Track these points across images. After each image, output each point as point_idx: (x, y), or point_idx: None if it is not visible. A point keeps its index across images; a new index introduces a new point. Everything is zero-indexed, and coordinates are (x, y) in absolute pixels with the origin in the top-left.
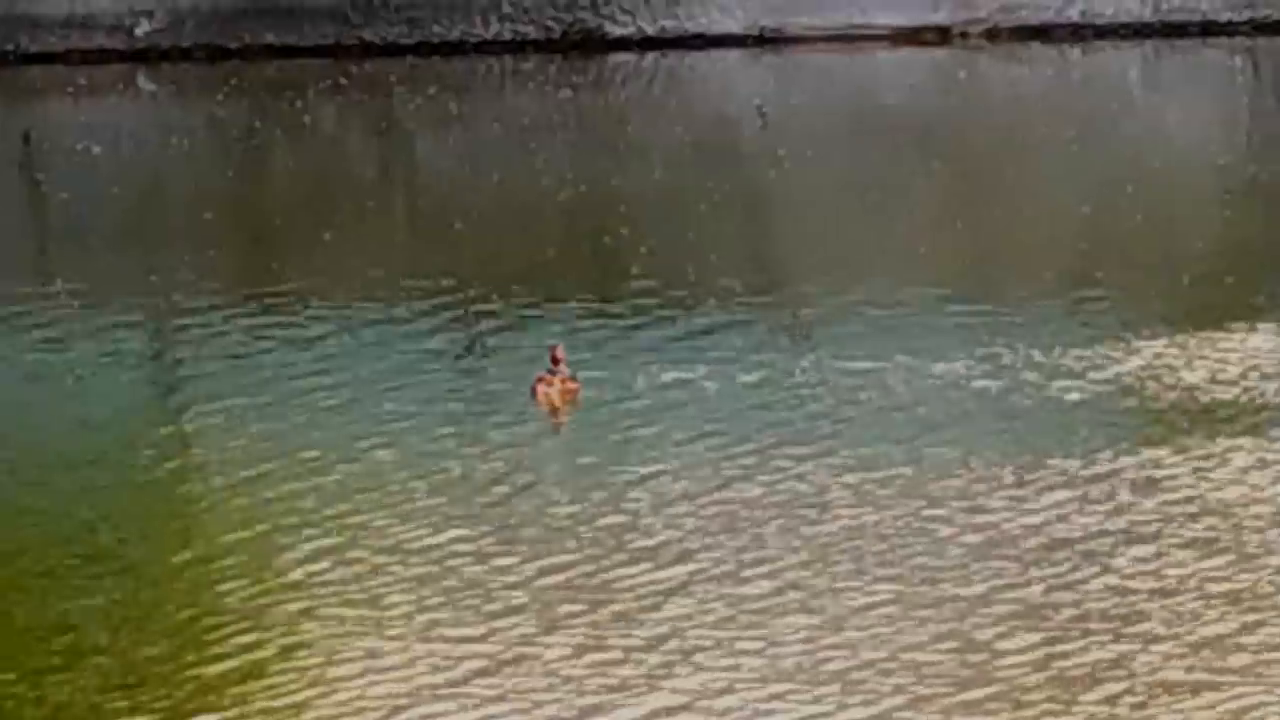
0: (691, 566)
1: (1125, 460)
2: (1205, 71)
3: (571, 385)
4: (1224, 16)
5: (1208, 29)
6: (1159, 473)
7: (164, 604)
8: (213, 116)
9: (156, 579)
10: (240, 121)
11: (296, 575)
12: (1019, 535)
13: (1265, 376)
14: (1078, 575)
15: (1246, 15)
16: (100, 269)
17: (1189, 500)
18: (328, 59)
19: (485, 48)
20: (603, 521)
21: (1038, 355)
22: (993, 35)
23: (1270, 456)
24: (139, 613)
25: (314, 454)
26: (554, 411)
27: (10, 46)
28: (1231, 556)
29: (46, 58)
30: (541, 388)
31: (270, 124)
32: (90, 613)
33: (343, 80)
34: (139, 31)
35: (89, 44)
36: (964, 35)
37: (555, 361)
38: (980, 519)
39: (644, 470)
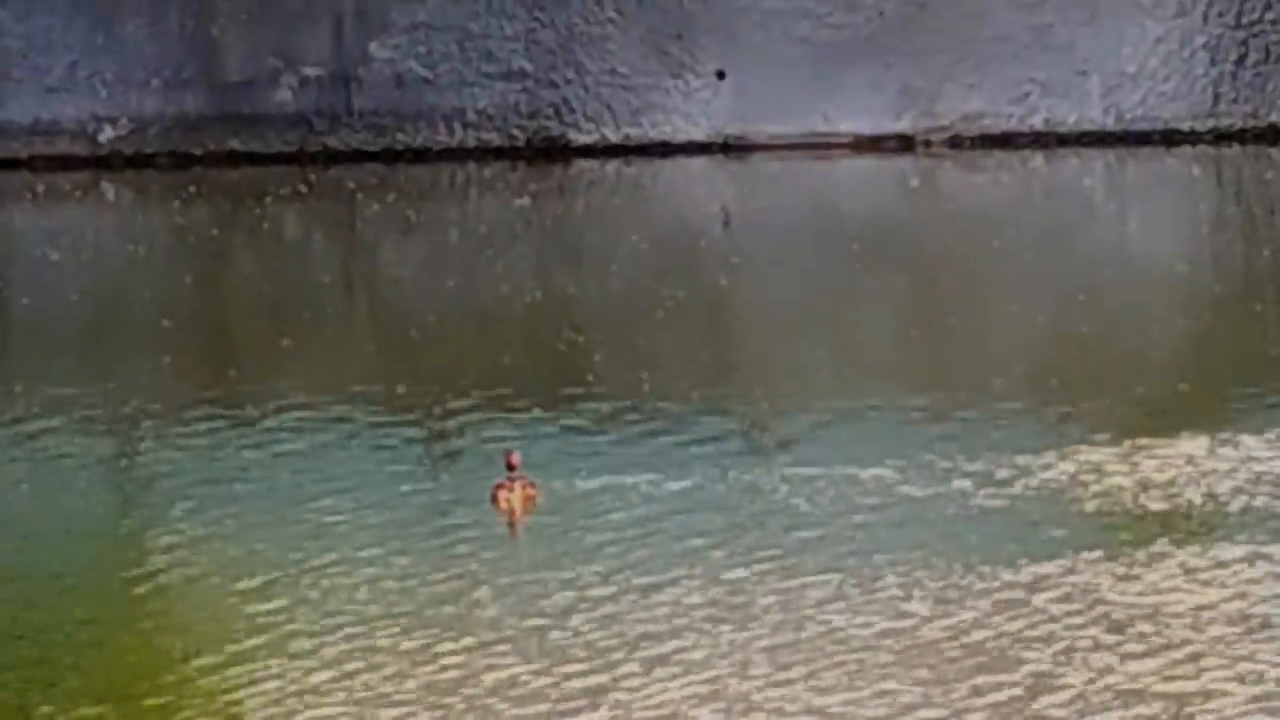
0: (646, 669)
1: (1060, 566)
2: (1167, 180)
3: (530, 491)
4: (1186, 125)
5: (1169, 138)
6: (1091, 579)
7: (127, 709)
8: (175, 223)
9: (115, 689)
10: (202, 228)
11: (241, 673)
12: (943, 640)
13: (1204, 486)
14: (999, 679)
15: (1209, 124)
16: (59, 375)
17: (1124, 607)
18: (291, 166)
19: (449, 155)
20: (563, 624)
21: (986, 462)
22: (956, 143)
23: (1197, 564)
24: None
25: (271, 562)
26: (513, 517)
27: None
28: (1160, 661)
29: (9, 164)
30: (503, 494)
31: (232, 230)
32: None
33: (306, 187)
34: (102, 138)
35: (52, 150)
36: (927, 144)
37: (511, 467)
38: (911, 624)
39: (602, 572)
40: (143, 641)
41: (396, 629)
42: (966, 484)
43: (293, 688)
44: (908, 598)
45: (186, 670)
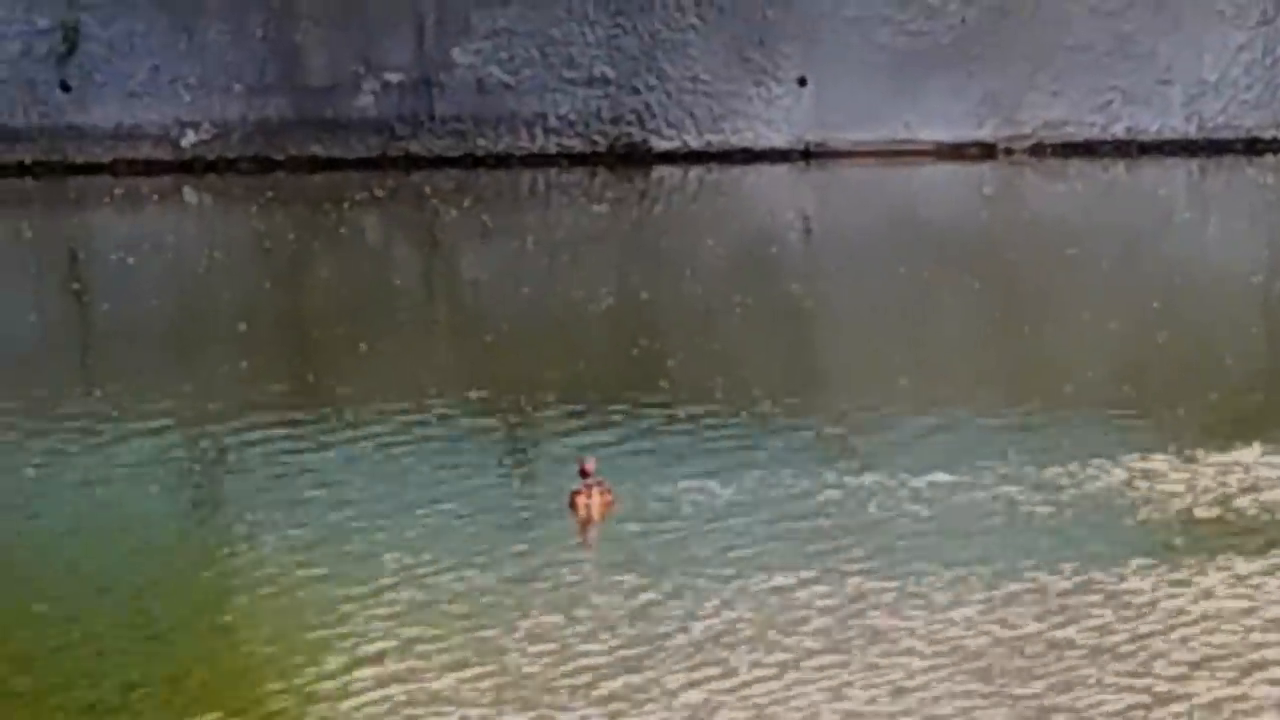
0: (726, 679)
1: (1129, 574)
2: (1248, 189)
3: (608, 497)
4: (1268, 133)
5: (1252, 146)
6: (1157, 588)
7: (200, 708)
8: (255, 228)
9: (195, 684)
10: (283, 233)
11: (334, 685)
12: (1007, 649)
13: (1270, 496)
14: (1078, 676)
15: None
16: (140, 380)
17: (1194, 617)
18: (373, 171)
19: (530, 161)
20: (640, 632)
21: (1066, 470)
22: (1037, 151)
23: (1264, 577)
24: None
25: (351, 566)
26: (589, 523)
27: (57, 157)
28: (1226, 670)
29: (92, 168)
30: (581, 500)
31: (312, 235)
32: None
33: (387, 192)
34: (185, 143)
35: (135, 154)
36: (1008, 151)
37: (585, 475)
38: (973, 633)
39: (679, 581)
40: (224, 649)
41: (475, 638)
42: (1042, 491)
43: (372, 696)
44: (961, 604)
45: (270, 679)
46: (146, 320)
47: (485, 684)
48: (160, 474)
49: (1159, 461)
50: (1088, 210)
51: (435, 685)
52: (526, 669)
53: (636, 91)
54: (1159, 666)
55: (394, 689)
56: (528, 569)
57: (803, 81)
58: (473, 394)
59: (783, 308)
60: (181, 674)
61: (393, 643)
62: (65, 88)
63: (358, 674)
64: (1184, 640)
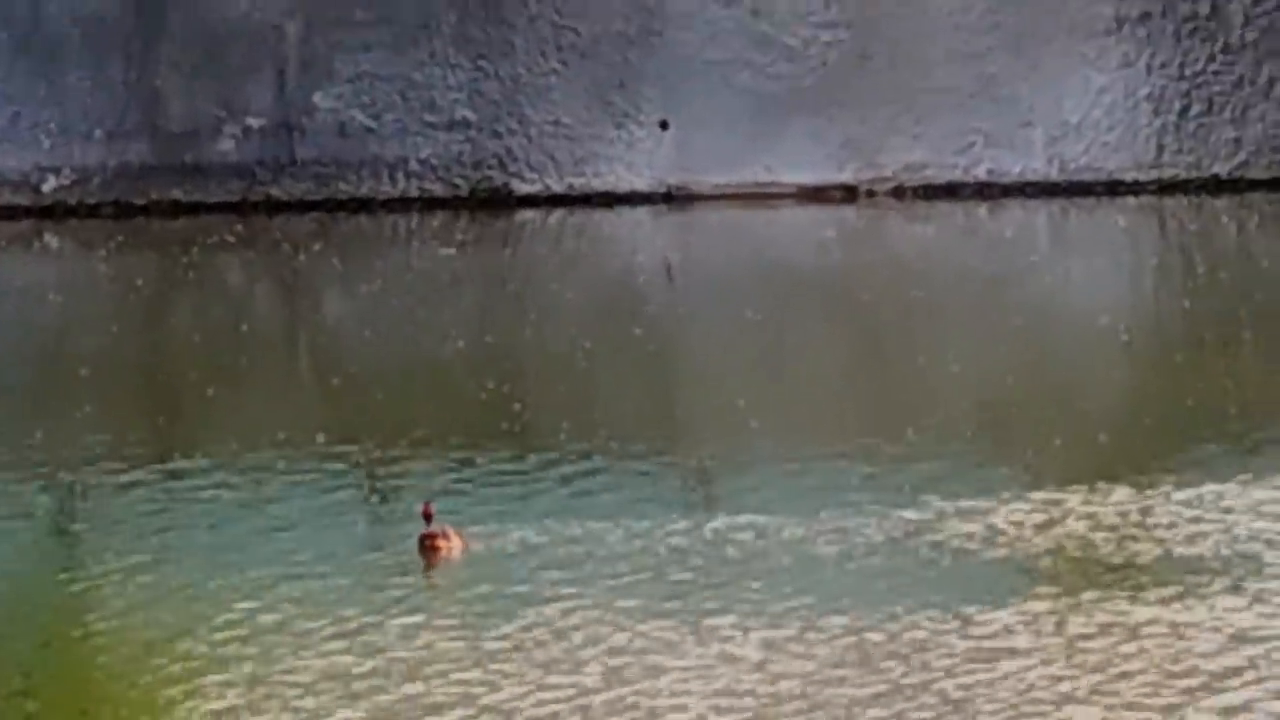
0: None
1: (1008, 613)
2: (1109, 230)
3: (463, 541)
4: (1130, 176)
5: (1113, 188)
6: (1032, 626)
7: None
8: (116, 274)
9: None
10: (144, 278)
11: None
12: (903, 690)
13: (1146, 532)
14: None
15: (1153, 175)
16: (4, 430)
17: (1060, 656)
18: (235, 215)
19: (392, 205)
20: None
21: (929, 509)
22: (899, 193)
23: (1139, 612)
24: None
25: (210, 611)
26: (440, 564)
27: None
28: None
29: None
30: (442, 542)
31: (173, 281)
32: None
33: (248, 236)
34: (45, 188)
35: None
36: (870, 194)
37: (428, 518)
38: (870, 676)
39: (526, 622)
40: (95, 684)
41: (331, 687)
42: (900, 531)
43: None
44: (833, 648)
45: None
46: (3, 367)
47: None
48: (19, 525)
49: (1015, 503)
50: (949, 252)
51: None
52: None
53: (498, 135)
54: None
55: None
56: (379, 610)
57: (664, 125)
58: (323, 438)
59: (640, 351)
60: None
61: (250, 691)
62: None
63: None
64: (1048, 680)
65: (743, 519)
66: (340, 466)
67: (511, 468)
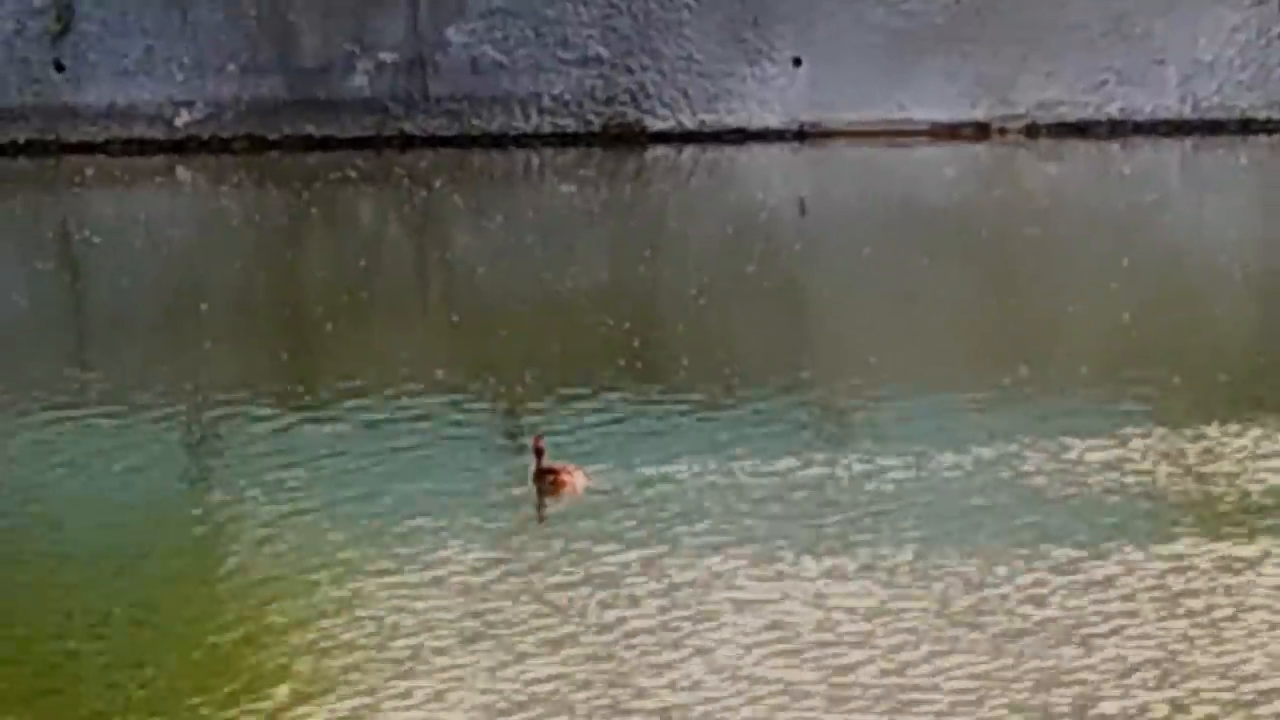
0: (708, 654)
1: (1147, 552)
2: (1242, 169)
3: (581, 477)
4: (1263, 114)
5: (1246, 126)
6: (1176, 564)
7: (182, 692)
8: (250, 208)
9: (178, 667)
10: (278, 213)
11: (319, 669)
12: (1035, 626)
13: (1267, 470)
14: (1086, 663)
15: None
16: (135, 362)
17: (1206, 590)
18: (367, 150)
19: (525, 141)
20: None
21: (1066, 447)
22: (1031, 132)
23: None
24: (157, 700)
25: (340, 548)
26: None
27: (50, 137)
28: (1239, 641)
29: (86, 148)
30: (566, 478)
31: (308, 216)
32: (112, 700)
33: (382, 172)
34: (178, 122)
35: (128, 134)
36: (1002, 131)
37: (539, 453)
38: (999, 608)
39: (649, 554)
40: (220, 614)
41: (452, 625)
42: (1026, 468)
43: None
44: (951, 581)
45: (247, 653)
46: (134, 300)
47: (479, 651)
48: (157, 458)
49: (1140, 440)
50: (1080, 190)
51: (421, 664)
52: (497, 655)
53: (630, 71)
54: (1153, 640)
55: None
56: (503, 550)
57: (797, 62)
58: (474, 374)
59: (781, 287)
60: (161, 654)
61: (376, 629)
62: (59, 67)
63: (347, 658)
64: (1177, 612)
65: (871, 457)
66: (462, 402)
67: (636, 405)
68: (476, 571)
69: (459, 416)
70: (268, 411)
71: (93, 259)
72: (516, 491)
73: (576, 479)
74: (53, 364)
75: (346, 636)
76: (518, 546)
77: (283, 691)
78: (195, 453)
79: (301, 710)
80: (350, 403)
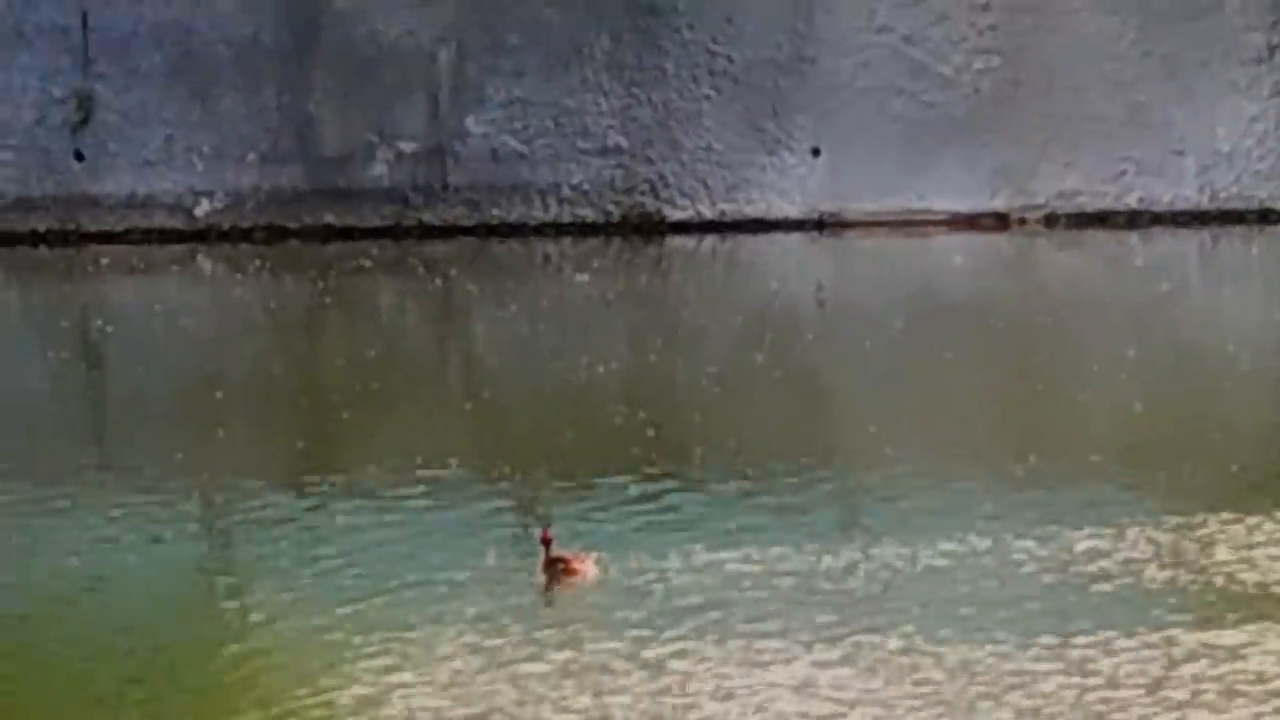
0: None
1: (1164, 637)
2: (1261, 259)
3: (591, 566)
4: None
5: (1265, 216)
6: (1194, 650)
7: None
8: (270, 296)
9: None
10: (296, 302)
11: None
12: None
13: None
14: None
15: None
16: (151, 448)
17: (1221, 679)
18: (386, 239)
19: (544, 230)
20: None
21: (1082, 537)
22: (1050, 221)
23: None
24: None
25: (358, 636)
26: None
27: (71, 226)
28: None
29: (107, 237)
30: (577, 564)
31: (327, 304)
32: None
33: (400, 261)
34: (199, 212)
35: (149, 223)
36: (1022, 221)
37: (546, 544)
38: (1023, 701)
39: (646, 640)
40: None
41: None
42: (1050, 557)
43: None
44: (973, 672)
45: None
46: (151, 387)
47: None
48: (178, 546)
49: (1155, 530)
50: (1099, 281)
51: None
52: None
53: (650, 161)
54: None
55: None
56: (510, 629)
57: (816, 152)
58: (491, 462)
59: (800, 378)
60: None
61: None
62: (79, 157)
63: None
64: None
65: (885, 546)
66: (475, 491)
67: (649, 493)
68: (474, 656)
69: (471, 504)
70: (280, 497)
71: (111, 347)
72: (524, 579)
73: (587, 567)
74: (69, 450)
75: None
76: (519, 634)
77: None
78: (208, 538)
79: None
80: (362, 490)
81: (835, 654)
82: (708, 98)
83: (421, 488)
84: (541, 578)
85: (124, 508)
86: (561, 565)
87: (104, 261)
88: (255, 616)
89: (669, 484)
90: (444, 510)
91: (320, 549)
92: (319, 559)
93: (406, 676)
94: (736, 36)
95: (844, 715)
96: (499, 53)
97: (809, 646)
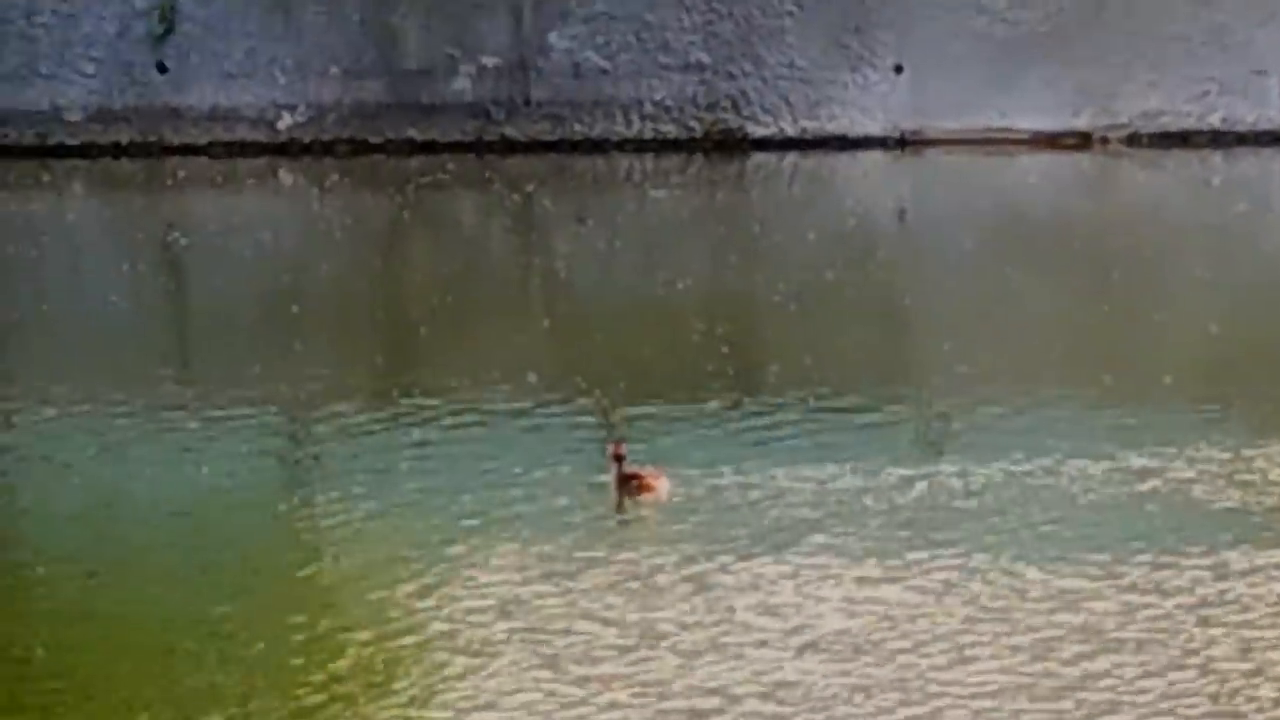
0: (803, 663)
1: (1247, 559)
2: None
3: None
4: None
5: None
6: (1246, 569)
7: (276, 685)
8: (350, 211)
9: (273, 660)
10: (379, 216)
11: (408, 672)
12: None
13: None
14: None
15: None
16: (237, 363)
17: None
18: (468, 154)
19: (626, 146)
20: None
21: (1166, 460)
22: (1133, 141)
23: None
24: (250, 693)
25: (418, 545)
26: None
27: (153, 139)
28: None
29: (188, 150)
30: (652, 480)
31: (409, 219)
32: (204, 694)
33: (483, 176)
34: (281, 125)
35: (231, 136)
36: (1105, 141)
37: (619, 459)
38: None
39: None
40: (299, 624)
41: (548, 617)
42: (1110, 478)
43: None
44: (1043, 591)
45: (337, 652)
46: (231, 302)
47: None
48: (258, 458)
49: (1228, 451)
50: (1187, 201)
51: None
52: (587, 649)
53: (732, 77)
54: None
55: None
56: (586, 545)
57: (899, 69)
58: (571, 378)
59: (881, 295)
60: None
61: (469, 632)
62: (162, 69)
63: (430, 660)
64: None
65: (963, 465)
66: (551, 405)
67: (726, 411)
68: (549, 573)
69: (548, 420)
70: (357, 409)
71: (190, 260)
72: (598, 495)
73: (660, 483)
74: (149, 365)
75: (420, 624)
76: (586, 550)
77: (355, 684)
78: (284, 453)
79: (372, 700)
80: (440, 405)
81: (887, 571)
82: (790, 14)
83: (499, 403)
84: (614, 494)
85: (203, 420)
86: (636, 481)
87: (184, 174)
88: (329, 522)
89: (745, 401)
90: (519, 423)
91: (397, 462)
92: (395, 471)
93: (457, 590)
94: None
95: (895, 628)
96: None
97: (860, 562)
